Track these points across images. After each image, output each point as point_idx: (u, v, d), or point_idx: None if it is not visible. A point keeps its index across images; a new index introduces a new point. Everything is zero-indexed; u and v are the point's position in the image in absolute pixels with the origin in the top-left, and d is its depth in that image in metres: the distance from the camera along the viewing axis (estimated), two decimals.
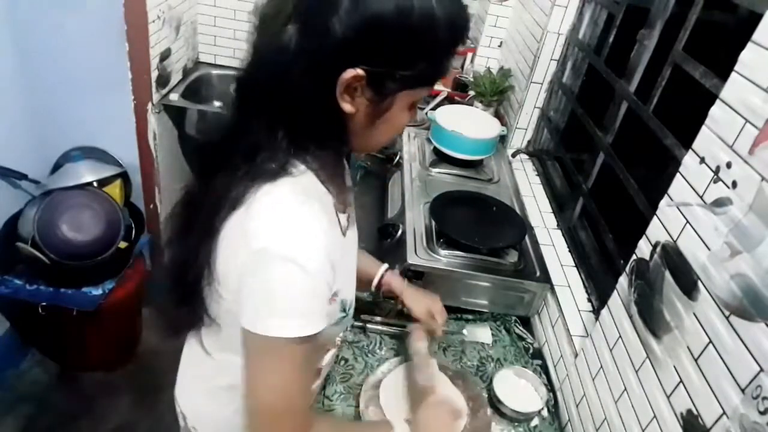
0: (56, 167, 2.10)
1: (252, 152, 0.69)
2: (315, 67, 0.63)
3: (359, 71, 0.63)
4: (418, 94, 0.69)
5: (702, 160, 0.90)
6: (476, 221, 1.59)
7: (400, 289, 1.21)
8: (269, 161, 0.68)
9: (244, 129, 0.70)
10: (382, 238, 1.55)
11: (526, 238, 1.55)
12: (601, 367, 1.13)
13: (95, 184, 2.03)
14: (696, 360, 0.85)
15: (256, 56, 0.67)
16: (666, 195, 0.99)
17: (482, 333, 1.44)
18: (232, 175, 0.69)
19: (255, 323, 0.67)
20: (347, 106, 0.66)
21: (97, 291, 1.93)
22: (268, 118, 0.68)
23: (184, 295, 0.77)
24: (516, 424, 1.21)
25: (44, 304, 1.89)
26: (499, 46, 2.60)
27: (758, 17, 0.83)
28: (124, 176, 2.15)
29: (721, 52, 0.98)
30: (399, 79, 0.65)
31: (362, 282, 1.17)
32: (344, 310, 0.82)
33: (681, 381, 0.88)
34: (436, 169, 1.87)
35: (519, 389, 1.26)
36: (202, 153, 0.78)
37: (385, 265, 1.21)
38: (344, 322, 0.85)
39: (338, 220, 0.79)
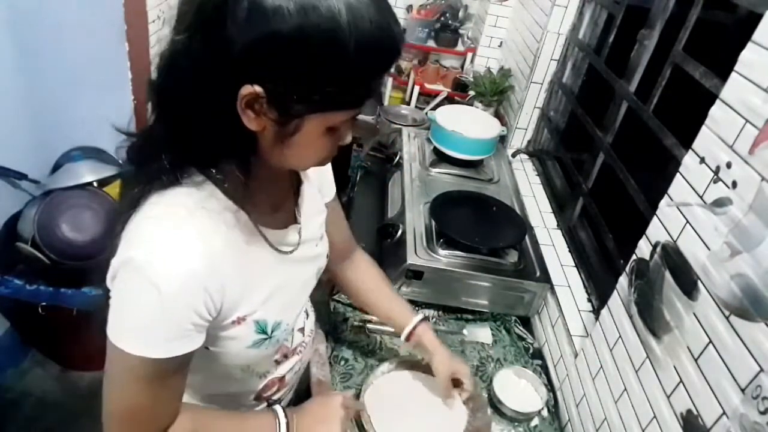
0: (56, 167, 2.10)
1: (155, 156, 0.66)
2: (214, 79, 0.59)
3: (257, 88, 0.58)
4: (332, 118, 0.63)
5: (702, 160, 0.90)
6: (476, 221, 1.59)
7: (433, 346, 1.10)
8: (167, 169, 0.66)
9: (151, 133, 0.68)
10: (382, 238, 1.55)
11: (526, 238, 1.55)
12: (601, 367, 1.13)
13: (95, 184, 2.03)
14: (696, 360, 0.85)
15: (162, 62, 0.63)
16: (666, 195, 0.99)
17: (482, 333, 1.44)
18: (137, 177, 0.68)
19: (110, 330, 0.66)
20: (251, 124, 0.61)
21: (97, 291, 1.92)
22: (171, 126, 0.65)
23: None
24: (516, 424, 1.21)
25: (44, 304, 1.89)
26: (499, 46, 2.60)
27: (758, 17, 0.83)
28: (124, 176, 2.14)
29: (721, 52, 0.98)
30: (303, 101, 0.60)
31: (392, 326, 1.15)
32: (264, 332, 0.78)
33: (681, 381, 0.88)
34: (436, 169, 1.87)
35: (519, 389, 1.26)
36: (127, 150, 0.74)
37: (420, 316, 1.12)
38: (267, 344, 0.80)
39: (263, 235, 0.75)
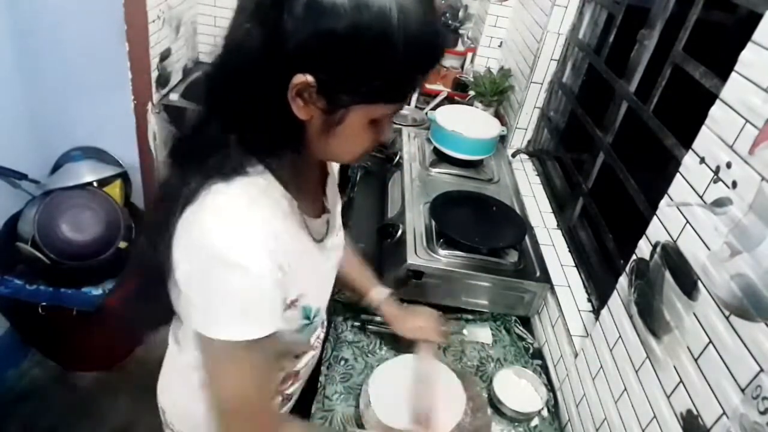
0: (56, 167, 2.10)
1: (211, 148, 0.68)
2: (268, 68, 0.62)
3: (308, 78, 0.61)
4: (376, 110, 0.66)
5: (702, 160, 0.90)
6: (476, 221, 1.59)
7: (390, 315, 1.23)
8: (226, 159, 0.68)
9: (206, 125, 0.70)
10: (382, 239, 1.55)
11: (526, 238, 1.55)
12: (601, 367, 1.13)
13: (95, 184, 2.03)
14: (696, 360, 0.85)
15: (222, 51, 0.66)
16: (666, 195, 0.99)
17: (482, 333, 1.44)
18: (192, 171, 0.69)
19: (202, 326, 0.67)
20: (300, 112, 0.64)
21: (97, 291, 1.93)
22: (229, 116, 0.67)
23: (151, 289, 0.77)
24: (516, 424, 1.21)
25: (44, 304, 1.89)
26: (499, 46, 2.60)
27: (758, 17, 0.83)
28: (124, 176, 2.15)
29: (721, 52, 0.98)
30: (350, 92, 0.63)
31: (358, 295, 1.23)
32: (308, 317, 0.81)
33: (681, 381, 0.88)
34: (436, 169, 1.87)
35: (519, 389, 1.26)
36: (173, 148, 0.76)
37: (379, 290, 1.22)
38: (308, 330, 0.84)
39: (306, 224, 0.78)
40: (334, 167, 0.96)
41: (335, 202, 0.94)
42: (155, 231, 0.72)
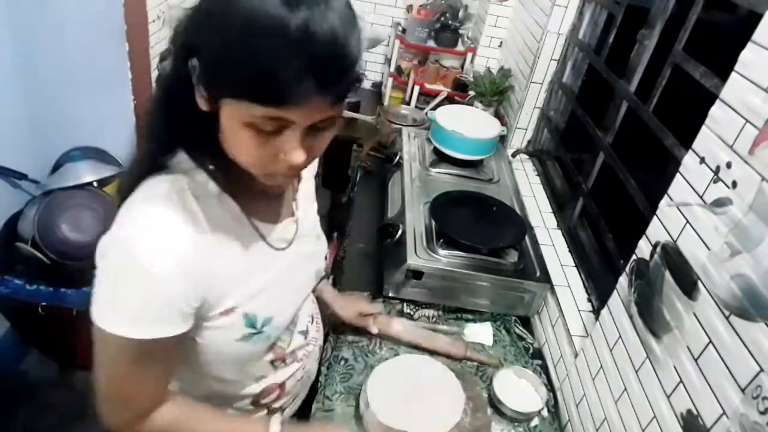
0: (56, 167, 2.10)
1: (157, 147, 0.69)
2: (175, 56, 0.63)
3: (194, 61, 0.59)
4: (245, 109, 0.58)
5: (702, 160, 0.90)
6: (476, 221, 1.59)
7: (331, 298, 1.22)
8: (153, 155, 0.68)
9: (153, 126, 0.69)
10: (382, 239, 1.55)
11: (526, 238, 1.55)
12: (601, 367, 1.13)
13: (95, 184, 2.03)
14: (696, 360, 0.85)
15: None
16: (666, 195, 0.99)
17: (482, 333, 1.44)
18: (131, 168, 0.71)
19: (95, 315, 0.66)
20: (200, 101, 0.62)
21: None
22: (152, 111, 0.68)
23: None
24: (516, 424, 1.21)
25: (44, 304, 1.89)
26: (499, 46, 2.60)
27: (758, 17, 0.83)
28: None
29: (721, 52, 0.98)
30: (219, 82, 0.59)
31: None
32: (253, 326, 0.77)
33: (681, 381, 0.88)
34: (436, 169, 1.87)
35: (519, 389, 1.26)
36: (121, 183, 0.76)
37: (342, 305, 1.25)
38: (257, 339, 0.78)
39: (256, 229, 0.75)
40: (310, 171, 0.90)
41: (310, 204, 0.90)
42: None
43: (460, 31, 2.65)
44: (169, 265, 0.64)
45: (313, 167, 0.92)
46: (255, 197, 0.75)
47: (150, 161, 0.68)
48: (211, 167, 0.69)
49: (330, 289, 1.25)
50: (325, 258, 0.96)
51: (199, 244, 0.66)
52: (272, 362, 0.88)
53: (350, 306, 1.27)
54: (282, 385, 0.92)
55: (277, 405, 0.94)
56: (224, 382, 0.85)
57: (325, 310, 1.17)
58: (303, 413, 1.13)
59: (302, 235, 0.85)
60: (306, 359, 0.96)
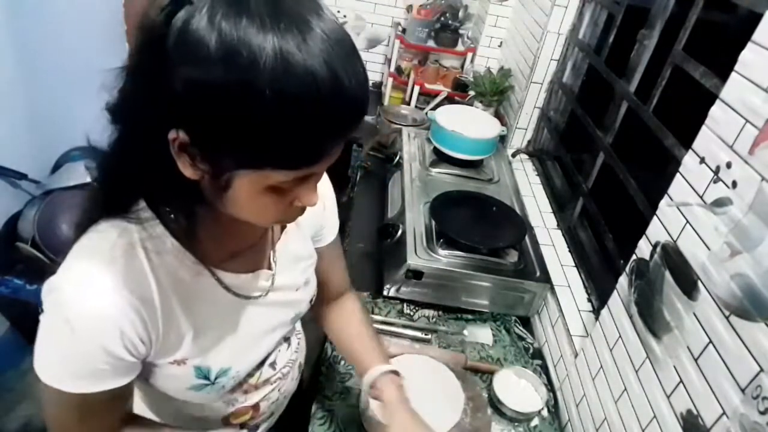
0: (56, 167, 2.10)
1: (115, 190, 0.64)
2: (148, 116, 0.54)
3: (181, 134, 0.52)
4: (269, 177, 0.55)
5: (702, 160, 0.90)
6: (476, 221, 1.59)
7: (391, 408, 0.89)
8: (113, 200, 0.63)
9: (105, 161, 0.64)
10: (382, 238, 1.55)
11: (526, 238, 1.55)
12: (601, 367, 1.13)
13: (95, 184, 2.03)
14: (696, 360, 0.85)
15: (118, 90, 0.60)
16: (666, 195, 0.99)
17: (482, 333, 1.44)
18: (91, 208, 0.66)
19: (35, 361, 0.64)
20: (186, 170, 0.55)
21: None
22: (116, 157, 0.61)
23: None
24: (516, 424, 1.21)
25: None
26: (499, 46, 2.60)
27: (758, 17, 0.83)
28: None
29: (721, 52, 0.98)
30: (230, 155, 0.53)
31: (360, 372, 0.96)
32: (206, 378, 0.74)
33: (681, 381, 0.88)
34: (436, 169, 1.87)
35: (519, 389, 1.26)
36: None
37: (385, 367, 0.93)
38: (211, 390, 0.76)
39: (218, 280, 0.71)
40: (306, 217, 0.76)
41: (298, 258, 0.85)
42: None
43: (460, 31, 2.65)
44: (93, 323, 0.61)
45: (317, 221, 0.89)
46: (216, 249, 0.71)
47: (107, 203, 0.63)
48: (172, 218, 0.63)
49: (394, 390, 0.91)
50: (310, 302, 0.91)
51: (136, 298, 0.62)
52: (239, 394, 0.85)
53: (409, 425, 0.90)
54: (255, 407, 0.89)
55: (253, 423, 0.91)
56: (191, 407, 0.83)
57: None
58: (303, 413, 1.14)
59: (280, 286, 0.81)
60: (281, 381, 0.93)
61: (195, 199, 0.61)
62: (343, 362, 1.27)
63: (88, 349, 0.61)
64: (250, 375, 0.84)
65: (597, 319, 1.18)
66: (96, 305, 0.60)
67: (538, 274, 1.47)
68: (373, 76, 2.94)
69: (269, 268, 0.79)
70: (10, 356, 2.10)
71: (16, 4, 1.84)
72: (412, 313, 1.46)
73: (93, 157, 0.69)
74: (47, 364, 0.63)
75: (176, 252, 0.66)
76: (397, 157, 1.90)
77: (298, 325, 1.00)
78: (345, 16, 2.72)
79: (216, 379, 0.75)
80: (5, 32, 1.85)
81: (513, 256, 1.49)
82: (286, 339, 0.93)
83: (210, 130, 0.51)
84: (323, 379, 1.22)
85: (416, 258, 1.42)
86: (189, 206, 0.62)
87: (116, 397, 0.67)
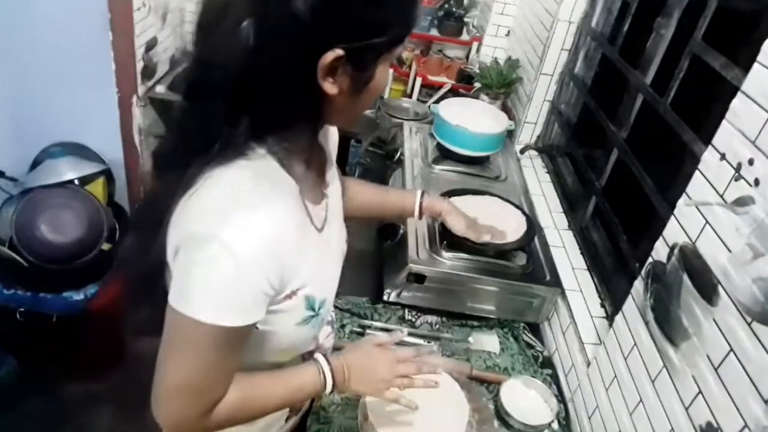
0: (35, 164, 2.10)
1: (210, 143, 0.69)
2: (289, 58, 0.64)
3: (338, 51, 0.64)
4: (394, 53, 0.73)
5: (722, 157, 0.90)
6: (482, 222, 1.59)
7: (443, 208, 1.27)
8: (226, 144, 0.69)
9: (201, 129, 0.70)
10: (382, 239, 1.56)
11: (535, 239, 1.55)
12: (615, 376, 1.13)
13: (77, 182, 2.03)
14: (716, 369, 0.85)
15: (208, 57, 0.67)
16: (684, 194, 0.99)
17: (489, 340, 1.44)
18: (188, 165, 0.70)
19: (175, 299, 0.69)
20: (331, 89, 0.67)
21: (78, 296, 1.93)
22: (229, 112, 0.68)
23: (145, 292, 0.77)
24: None
25: (22, 309, 1.89)
26: (507, 35, 2.60)
27: None
28: (107, 174, 2.15)
29: (743, 42, 0.98)
30: (377, 48, 0.68)
31: (397, 213, 1.31)
32: (312, 308, 0.82)
33: (700, 391, 0.88)
34: (440, 166, 1.87)
35: (528, 400, 1.26)
36: (161, 149, 0.79)
37: (420, 191, 1.26)
38: (315, 323, 0.84)
39: (307, 210, 0.80)
40: (332, 151, 0.96)
41: (336, 188, 0.95)
42: (147, 229, 0.73)
43: (465, 19, 2.66)
44: (257, 251, 0.68)
45: (333, 142, 0.98)
46: (305, 179, 0.80)
47: (230, 150, 0.70)
48: (281, 150, 0.73)
49: (439, 199, 1.31)
50: (346, 242, 1.00)
51: (279, 226, 0.71)
52: (303, 357, 0.93)
53: (464, 220, 1.29)
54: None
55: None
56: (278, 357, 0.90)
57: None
58: (300, 425, 1.14)
59: (331, 218, 0.89)
60: (329, 348, 1.02)
61: (319, 119, 0.74)
62: None
63: (253, 276, 0.69)
64: (328, 320, 0.95)
65: (611, 325, 1.18)
66: (256, 233, 0.68)
67: (548, 277, 1.47)
68: None
69: (325, 197, 0.89)
70: None
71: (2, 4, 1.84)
72: (413, 320, 1.46)
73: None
74: (203, 301, 0.68)
75: (289, 184, 0.75)
76: (398, 154, 1.90)
77: None
78: None
79: (319, 309, 0.83)
80: None
81: (521, 259, 1.50)
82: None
83: (362, 32, 0.65)
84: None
85: (418, 260, 1.42)
86: (316, 129, 0.76)
87: (247, 337, 0.75)
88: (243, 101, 0.67)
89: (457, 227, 1.27)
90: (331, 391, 0.90)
